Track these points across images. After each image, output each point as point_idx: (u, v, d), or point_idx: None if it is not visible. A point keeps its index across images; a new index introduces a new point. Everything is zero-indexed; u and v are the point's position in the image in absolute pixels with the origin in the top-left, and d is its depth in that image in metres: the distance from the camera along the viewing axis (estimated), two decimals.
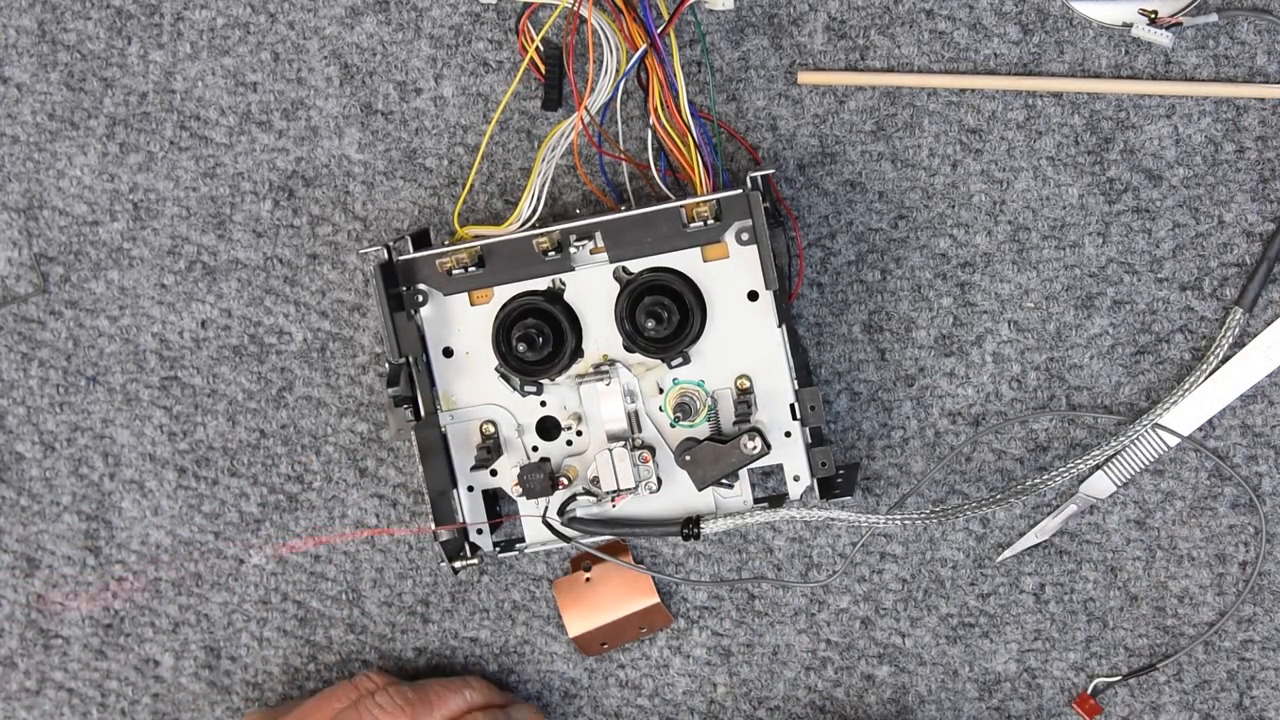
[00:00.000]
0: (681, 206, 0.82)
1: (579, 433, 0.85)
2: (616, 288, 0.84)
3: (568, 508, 0.84)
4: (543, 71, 0.87)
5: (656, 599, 0.90)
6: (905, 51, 0.87)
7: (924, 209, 0.87)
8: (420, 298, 0.85)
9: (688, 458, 0.83)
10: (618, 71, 0.85)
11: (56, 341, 0.94)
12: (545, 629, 0.92)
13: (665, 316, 0.82)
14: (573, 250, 0.84)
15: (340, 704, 0.87)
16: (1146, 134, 0.86)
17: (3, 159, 0.93)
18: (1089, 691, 0.88)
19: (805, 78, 0.87)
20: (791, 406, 0.83)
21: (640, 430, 0.84)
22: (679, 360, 0.83)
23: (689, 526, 0.83)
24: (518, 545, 0.87)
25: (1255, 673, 0.88)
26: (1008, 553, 0.89)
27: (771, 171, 0.83)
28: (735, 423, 0.83)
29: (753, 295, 0.83)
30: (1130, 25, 0.84)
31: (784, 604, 0.91)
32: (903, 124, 0.87)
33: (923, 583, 0.90)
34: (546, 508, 0.84)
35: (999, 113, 0.86)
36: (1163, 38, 0.84)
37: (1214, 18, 0.84)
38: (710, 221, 0.82)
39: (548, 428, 0.86)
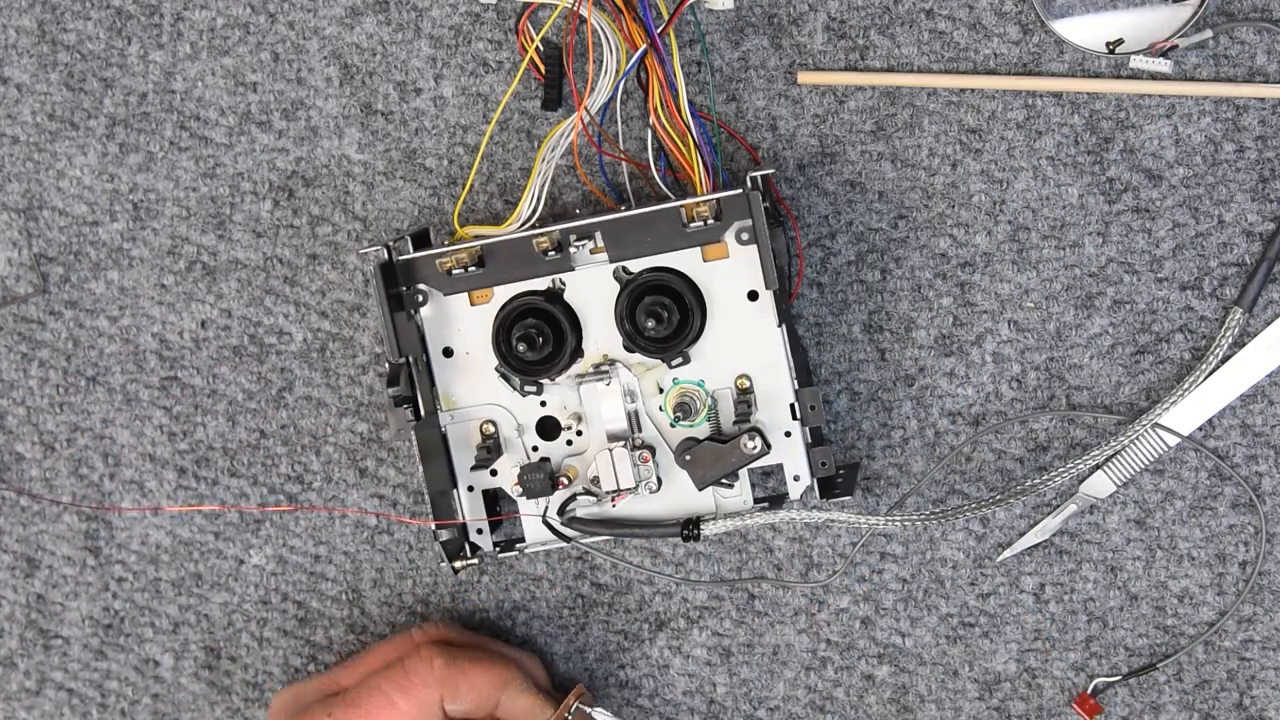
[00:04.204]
0: (681, 206, 0.82)
1: (579, 433, 0.85)
2: (616, 288, 0.84)
3: (568, 508, 0.84)
4: (543, 71, 0.87)
5: None
6: (905, 51, 0.87)
7: (924, 209, 0.87)
8: (420, 298, 0.85)
9: (688, 457, 0.83)
10: (618, 71, 0.85)
11: (56, 341, 0.94)
12: (545, 629, 0.92)
13: (665, 316, 0.82)
14: (573, 250, 0.84)
15: (393, 655, 0.86)
16: (1146, 134, 0.86)
17: (3, 159, 0.93)
18: (1089, 691, 0.88)
19: (805, 78, 0.87)
20: (791, 406, 0.83)
21: (640, 430, 0.84)
22: (679, 360, 0.83)
23: (689, 527, 0.83)
24: (518, 545, 0.87)
25: (1255, 673, 0.88)
26: (1008, 553, 0.89)
27: (771, 171, 0.83)
28: (735, 423, 0.83)
29: (753, 295, 0.83)
30: (1111, 48, 0.84)
31: (784, 604, 0.91)
32: (903, 124, 0.87)
33: (923, 583, 0.89)
34: (546, 508, 0.84)
35: (999, 113, 0.86)
36: (1162, 65, 0.84)
37: (1208, 34, 0.84)
38: (710, 221, 0.82)
39: (548, 428, 0.86)
